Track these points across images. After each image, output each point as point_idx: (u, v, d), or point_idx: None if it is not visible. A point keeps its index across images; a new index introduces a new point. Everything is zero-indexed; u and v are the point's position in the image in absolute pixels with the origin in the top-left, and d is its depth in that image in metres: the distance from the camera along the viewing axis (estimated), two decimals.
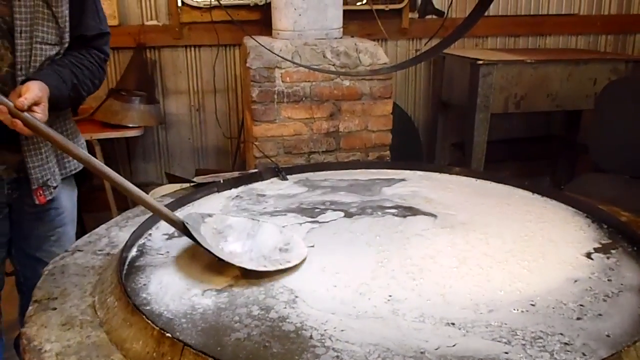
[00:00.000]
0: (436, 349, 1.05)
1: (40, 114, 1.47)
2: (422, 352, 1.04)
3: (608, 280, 1.33)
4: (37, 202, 1.74)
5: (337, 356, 1.02)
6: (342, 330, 1.10)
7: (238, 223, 1.52)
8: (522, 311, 1.19)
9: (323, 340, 1.07)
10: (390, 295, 1.25)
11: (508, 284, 1.31)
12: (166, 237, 1.59)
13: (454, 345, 1.06)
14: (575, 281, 1.32)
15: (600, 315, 1.17)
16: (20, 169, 1.73)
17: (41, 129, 1.42)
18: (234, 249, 1.41)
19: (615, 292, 1.27)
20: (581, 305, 1.21)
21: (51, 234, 1.87)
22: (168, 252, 1.49)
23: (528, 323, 1.14)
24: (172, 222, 1.42)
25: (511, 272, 1.37)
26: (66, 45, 1.70)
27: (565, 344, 1.07)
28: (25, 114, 1.42)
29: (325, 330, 1.11)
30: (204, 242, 1.37)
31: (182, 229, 1.40)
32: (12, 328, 2.27)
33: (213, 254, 1.34)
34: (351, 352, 1.03)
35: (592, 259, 1.45)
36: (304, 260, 1.40)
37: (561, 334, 1.10)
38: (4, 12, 1.57)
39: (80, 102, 1.95)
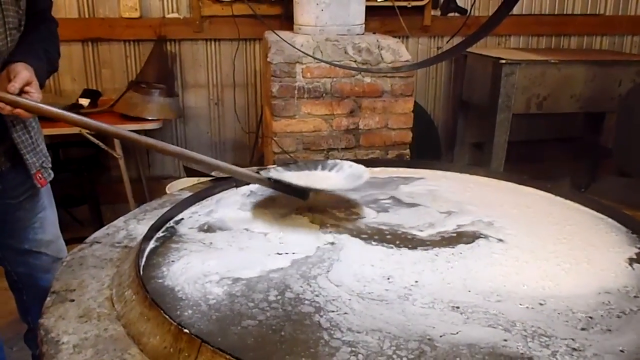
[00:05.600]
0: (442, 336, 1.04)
1: (36, 94, 1.50)
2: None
3: (635, 297, 1.26)
4: (38, 185, 1.75)
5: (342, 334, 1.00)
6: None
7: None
8: (527, 307, 1.19)
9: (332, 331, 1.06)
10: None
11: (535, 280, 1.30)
12: (196, 229, 1.58)
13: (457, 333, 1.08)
14: (601, 293, 1.27)
15: (609, 330, 1.12)
16: None
17: (45, 110, 1.46)
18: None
19: (634, 309, 1.21)
20: (590, 317, 1.17)
21: (34, 221, 1.85)
22: (211, 243, 1.49)
23: (527, 318, 1.14)
24: (258, 180, 1.71)
25: (546, 271, 1.35)
26: (22, 28, 1.68)
27: (574, 349, 1.05)
28: (25, 99, 1.45)
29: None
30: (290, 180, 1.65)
31: (268, 183, 1.69)
32: (10, 326, 2.31)
33: (298, 187, 1.64)
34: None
35: (633, 268, 1.40)
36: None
37: (572, 339, 1.08)
38: None
39: (51, 75, 1.90)
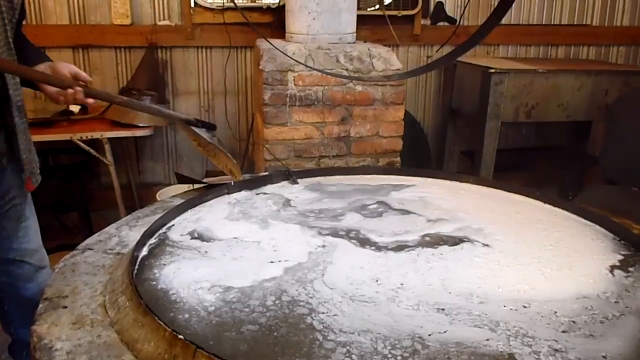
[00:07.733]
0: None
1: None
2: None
3: (615, 302, 1.29)
4: (26, 190, 1.76)
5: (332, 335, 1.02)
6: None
7: None
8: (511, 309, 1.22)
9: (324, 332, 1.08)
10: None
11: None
12: (189, 236, 1.59)
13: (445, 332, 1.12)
14: (580, 298, 1.30)
15: (591, 335, 1.14)
16: None
17: (103, 94, 1.76)
18: None
19: (617, 315, 1.23)
20: (573, 321, 1.19)
21: (18, 230, 1.84)
22: (207, 252, 1.50)
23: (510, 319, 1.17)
24: (183, 120, 1.98)
25: (525, 275, 1.38)
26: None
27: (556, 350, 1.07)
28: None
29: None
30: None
31: (189, 122, 1.99)
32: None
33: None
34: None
35: (613, 274, 1.43)
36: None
37: (555, 340, 1.11)
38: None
39: None
